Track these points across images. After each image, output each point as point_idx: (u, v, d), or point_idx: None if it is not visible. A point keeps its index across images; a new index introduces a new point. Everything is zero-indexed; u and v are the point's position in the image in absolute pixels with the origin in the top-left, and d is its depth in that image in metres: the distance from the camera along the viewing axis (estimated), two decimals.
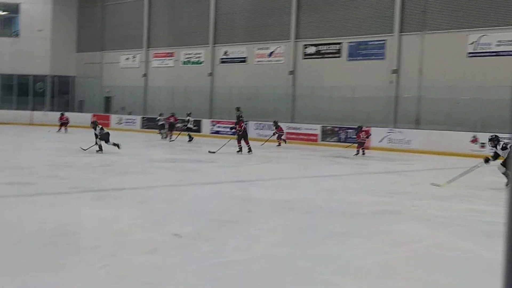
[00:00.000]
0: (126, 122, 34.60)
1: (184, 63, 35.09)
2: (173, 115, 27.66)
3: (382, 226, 8.07)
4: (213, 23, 33.33)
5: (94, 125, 18.62)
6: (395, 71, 26.53)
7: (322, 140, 26.36)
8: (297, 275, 5.42)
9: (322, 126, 26.76)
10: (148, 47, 37.00)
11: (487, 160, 12.90)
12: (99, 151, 17.96)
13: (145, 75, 37.13)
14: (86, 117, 32.71)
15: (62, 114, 31.78)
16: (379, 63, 27.09)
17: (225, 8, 32.97)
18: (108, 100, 38.89)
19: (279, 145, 25.23)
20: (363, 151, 21.10)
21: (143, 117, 34.55)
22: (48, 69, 39.64)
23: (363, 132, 21.36)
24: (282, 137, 25.81)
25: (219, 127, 30.29)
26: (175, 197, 10.27)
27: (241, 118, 21.61)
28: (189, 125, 26.40)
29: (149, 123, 33.39)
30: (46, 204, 9.16)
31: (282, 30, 30.26)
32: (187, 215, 8.46)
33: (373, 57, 27.33)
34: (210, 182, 12.23)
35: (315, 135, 26.83)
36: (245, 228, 7.54)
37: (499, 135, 13.59)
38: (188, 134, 26.07)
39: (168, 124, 27.24)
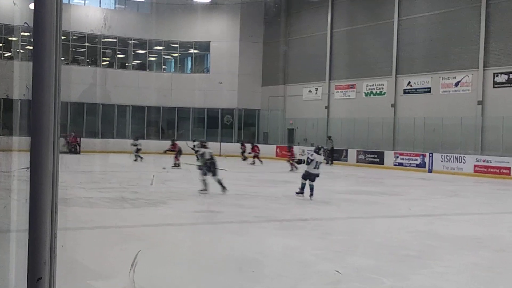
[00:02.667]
0: (309, 154, 35.13)
1: (366, 94, 34.92)
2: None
3: None
4: (396, 53, 32.88)
5: None
6: None
7: None
8: None
9: None
10: (330, 79, 37.43)
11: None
12: None
13: (327, 107, 37.56)
14: (271, 148, 33.65)
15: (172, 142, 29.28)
16: None
17: (408, 38, 32.37)
18: (291, 132, 39.85)
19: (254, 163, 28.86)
20: None
21: (324, 149, 34.79)
22: (235, 102, 41.70)
23: None
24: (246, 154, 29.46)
25: (402, 159, 29.57)
26: (358, 229, 10.19)
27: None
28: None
29: (334, 155, 33.62)
30: (233, 231, 9.57)
31: (470, 58, 28.94)
32: (370, 248, 8.34)
33: None
34: (394, 216, 11.97)
35: (508, 168, 25.07)
36: (430, 264, 7.24)
37: None
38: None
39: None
